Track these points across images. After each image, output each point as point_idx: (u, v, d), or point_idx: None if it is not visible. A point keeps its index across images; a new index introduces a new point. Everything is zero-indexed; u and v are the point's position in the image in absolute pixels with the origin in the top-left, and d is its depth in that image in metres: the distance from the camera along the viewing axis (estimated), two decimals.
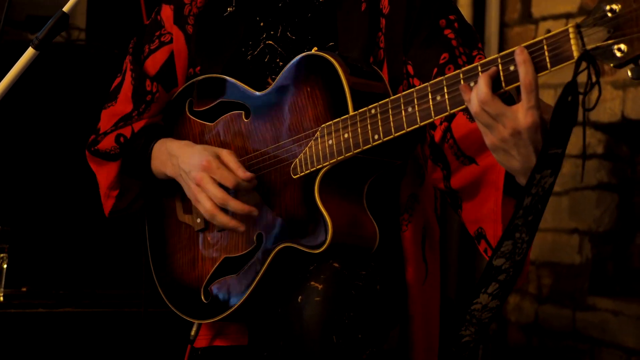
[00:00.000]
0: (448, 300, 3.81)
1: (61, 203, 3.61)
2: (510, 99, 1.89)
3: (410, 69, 2.21)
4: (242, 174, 2.19)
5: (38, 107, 3.61)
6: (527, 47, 1.79)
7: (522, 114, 1.80)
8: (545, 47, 1.76)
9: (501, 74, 1.83)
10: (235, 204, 2.19)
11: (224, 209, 2.20)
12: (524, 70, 1.78)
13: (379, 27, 2.26)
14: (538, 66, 1.77)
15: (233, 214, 2.22)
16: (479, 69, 1.85)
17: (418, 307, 2.26)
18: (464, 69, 1.89)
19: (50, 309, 3.02)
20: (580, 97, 1.73)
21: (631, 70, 1.69)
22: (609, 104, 3.69)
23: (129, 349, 3.04)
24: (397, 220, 2.26)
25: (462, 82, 1.88)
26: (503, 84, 1.83)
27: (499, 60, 1.83)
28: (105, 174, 2.46)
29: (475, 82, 1.85)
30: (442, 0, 2.27)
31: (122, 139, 2.43)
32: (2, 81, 2.21)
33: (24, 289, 3.23)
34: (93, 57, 3.47)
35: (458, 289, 4.25)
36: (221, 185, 2.20)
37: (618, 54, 1.68)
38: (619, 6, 1.68)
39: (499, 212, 2.02)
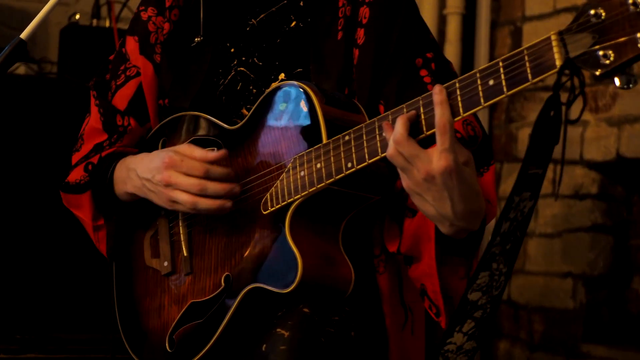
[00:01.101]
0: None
1: (26, 243, 3.55)
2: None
3: (382, 109, 2.12)
4: (209, 154, 2.07)
5: (7, 140, 3.56)
6: (506, 58, 1.67)
7: (435, 157, 1.74)
8: (526, 57, 1.64)
9: (422, 117, 1.78)
10: (214, 186, 2.06)
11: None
12: (439, 111, 1.73)
13: (353, 58, 2.16)
14: (519, 78, 1.65)
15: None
16: (404, 110, 1.81)
17: (397, 355, 2.14)
18: (392, 110, 1.84)
19: (13, 354, 2.96)
20: (563, 107, 1.60)
21: (619, 79, 1.56)
22: (604, 142, 3.61)
23: None
24: (372, 262, 2.15)
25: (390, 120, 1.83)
26: (424, 129, 1.78)
27: (420, 102, 1.78)
28: (83, 211, 2.35)
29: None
30: (419, 36, 2.18)
31: (90, 167, 2.32)
32: None
33: None
34: (64, 90, 3.39)
35: None
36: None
37: (605, 61, 1.55)
38: (604, 11, 1.56)
39: (433, 265, 1.95)
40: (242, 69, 2.26)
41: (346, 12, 2.19)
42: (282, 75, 2.18)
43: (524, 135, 3.99)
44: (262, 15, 2.27)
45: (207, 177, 2.06)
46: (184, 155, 2.09)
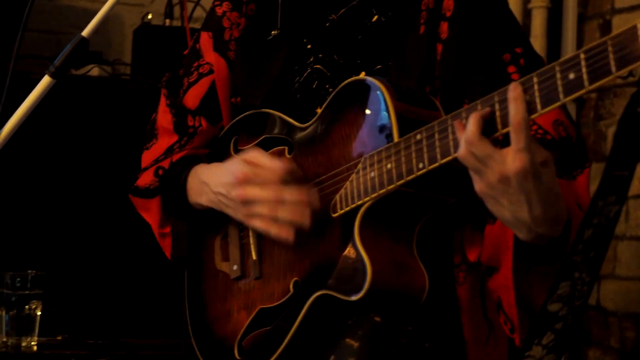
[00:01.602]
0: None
1: (99, 247, 3.58)
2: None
3: None
4: (279, 164, 2.02)
5: (80, 142, 3.59)
6: (588, 49, 1.56)
7: (510, 158, 1.65)
8: (609, 47, 1.53)
9: (497, 114, 1.69)
10: (290, 194, 2.01)
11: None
12: (514, 108, 1.64)
13: (436, 53, 2.07)
14: (602, 70, 1.54)
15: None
16: (479, 106, 1.72)
17: None
18: (466, 107, 1.76)
19: (85, 359, 2.95)
20: None
21: None
22: None
23: None
24: (452, 271, 2.07)
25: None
26: (499, 126, 1.69)
27: (496, 98, 1.69)
28: (151, 215, 2.34)
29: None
30: (508, 30, 2.09)
31: (160, 172, 2.30)
32: (17, 111, 2.08)
33: (59, 338, 3.16)
34: (136, 92, 3.38)
35: None
36: None
37: None
38: None
39: (509, 277, 1.87)
40: (318, 66, 2.20)
41: (429, 4, 2.10)
42: (362, 74, 2.10)
43: (612, 133, 3.87)
44: (342, 10, 2.20)
45: (282, 185, 2.01)
46: (254, 165, 2.04)
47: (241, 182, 2.03)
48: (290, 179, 2.02)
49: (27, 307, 2.94)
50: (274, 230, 2.01)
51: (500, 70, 2.04)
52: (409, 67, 2.08)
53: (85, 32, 2.07)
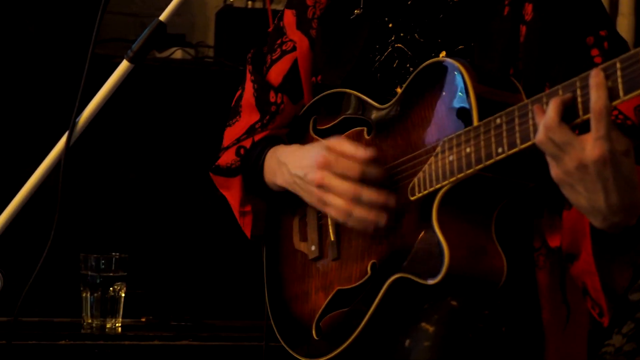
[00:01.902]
0: None
1: (182, 229, 3.62)
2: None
3: None
4: (364, 152, 2.01)
5: (163, 126, 3.64)
6: None
7: (589, 145, 1.64)
8: None
9: (579, 99, 1.67)
10: (369, 194, 2.00)
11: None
12: (595, 95, 1.62)
13: (519, 35, 2.05)
14: None
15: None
16: (560, 92, 1.70)
17: (556, 355, 2.03)
18: (547, 91, 1.74)
19: (166, 341, 2.99)
20: None
21: None
22: None
23: None
24: (531, 255, 2.05)
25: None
26: (580, 112, 1.67)
27: (578, 84, 1.67)
28: (232, 194, 2.36)
29: None
30: (592, 11, 2.05)
31: (242, 151, 2.32)
32: (96, 96, 2.10)
33: (143, 319, 3.23)
34: (219, 74, 3.41)
35: None
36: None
37: None
38: None
39: (591, 262, 1.85)
40: (399, 45, 2.19)
41: None
42: (443, 53, 2.09)
43: None
44: None
45: (362, 177, 2.01)
46: (336, 152, 2.04)
47: (320, 167, 2.04)
48: (373, 174, 2.02)
49: (111, 289, 3.01)
50: (349, 222, 2.03)
51: (584, 53, 2.01)
52: (492, 49, 2.06)
53: (163, 17, 2.08)
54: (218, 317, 3.27)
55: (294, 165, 2.13)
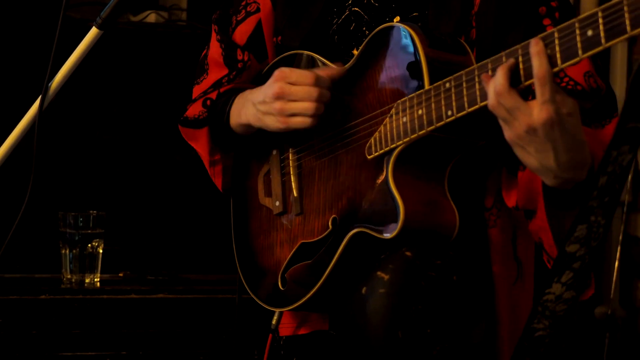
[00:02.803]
0: None
1: (157, 187, 3.65)
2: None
3: None
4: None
5: (136, 88, 3.64)
6: (606, 8, 1.62)
7: (537, 109, 1.72)
8: (625, 7, 1.59)
9: (520, 66, 1.76)
10: (323, 76, 2.11)
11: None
12: (537, 62, 1.71)
13: (473, 4, 2.13)
14: (618, 29, 1.60)
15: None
16: (503, 58, 1.79)
17: (506, 304, 2.14)
18: (491, 58, 1.82)
19: (143, 294, 3.05)
20: None
21: None
22: None
23: (219, 335, 3.05)
24: (482, 213, 2.14)
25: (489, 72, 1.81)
26: (522, 79, 1.76)
27: (520, 51, 1.76)
28: (200, 144, 2.41)
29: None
30: None
31: (208, 102, 2.36)
32: (66, 63, 2.16)
33: (121, 274, 3.28)
34: (190, 38, 3.44)
35: None
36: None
37: None
38: None
39: (544, 219, 1.94)
40: (356, 9, 2.25)
41: None
42: (397, 18, 2.16)
43: None
44: None
45: (317, 83, 2.09)
46: (291, 69, 2.13)
47: (277, 80, 2.10)
48: (326, 79, 2.10)
49: (89, 245, 3.06)
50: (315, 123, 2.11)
51: (536, 23, 2.07)
52: (445, 16, 2.13)
53: None
54: (193, 272, 3.31)
55: (256, 95, 2.17)
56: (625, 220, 3.92)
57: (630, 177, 3.91)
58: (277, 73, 2.11)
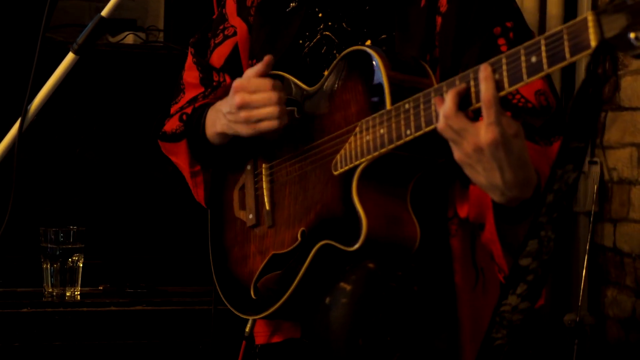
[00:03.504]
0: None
1: (135, 201, 3.69)
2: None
3: None
4: (262, 67, 2.19)
5: (114, 107, 3.69)
6: (548, 36, 1.72)
7: (483, 130, 1.80)
8: (565, 35, 1.68)
9: (472, 90, 1.84)
10: (284, 94, 2.20)
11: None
12: (484, 86, 1.79)
13: (435, 25, 2.22)
14: (558, 56, 1.70)
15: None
16: (457, 82, 1.87)
17: (467, 312, 2.22)
18: (447, 81, 1.90)
19: (122, 307, 3.11)
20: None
21: None
22: None
23: (196, 346, 3.11)
24: (445, 224, 2.23)
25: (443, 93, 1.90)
26: (473, 101, 1.84)
27: (471, 75, 1.85)
28: (180, 157, 2.49)
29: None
30: (500, 4, 2.22)
31: (184, 117, 2.45)
32: (44, 87, 2.24)
33: (101, 287, 3.33)
34: (166, 58, 3.51)
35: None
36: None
37: (636, 43, 1.57)
38: None
39: (494, 232, 2.03)
40: (327, 33, 2.34)
41: None
42: (368, 42, 2.25)
43: (626, 83, 3.95)
44: None
45: (274, 88, 2.17)
46: (247, 77, 2.19)
47: (237, 91, 2.19)
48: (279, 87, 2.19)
49: (70, 260, 3.10)
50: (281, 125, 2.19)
51: (491, 42, 2.17)
52: (411, 38, 2.22)
53: (104, 12, 2.23)
54: (171, 284, 3.37)
55: (224, 105, 2.25)
56: (592, 230, 3.99)
57: (595, 187, 4.00)
58: (235, 84, 2.20)
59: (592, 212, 3.98)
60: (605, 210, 4.04)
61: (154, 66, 3.66)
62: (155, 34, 4.05)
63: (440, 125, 1.86)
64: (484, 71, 1.80)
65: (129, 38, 3.88)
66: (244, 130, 2.23)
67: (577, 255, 4.12)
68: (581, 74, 4.14)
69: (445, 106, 1.85)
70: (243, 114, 2.20)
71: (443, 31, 2.21)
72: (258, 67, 2.20)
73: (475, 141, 1.82)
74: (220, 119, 2.29)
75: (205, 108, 2.40)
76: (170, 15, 4.03)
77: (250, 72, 2.21)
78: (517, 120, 1.86)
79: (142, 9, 4.31)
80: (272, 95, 2.18)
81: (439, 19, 2.22)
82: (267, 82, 2.18)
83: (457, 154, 1.87)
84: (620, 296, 3.95)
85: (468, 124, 1.83)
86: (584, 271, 3.94)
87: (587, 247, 3.96)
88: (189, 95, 2.51)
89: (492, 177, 1.85)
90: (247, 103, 2.18)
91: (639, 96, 3.88)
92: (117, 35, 3.87)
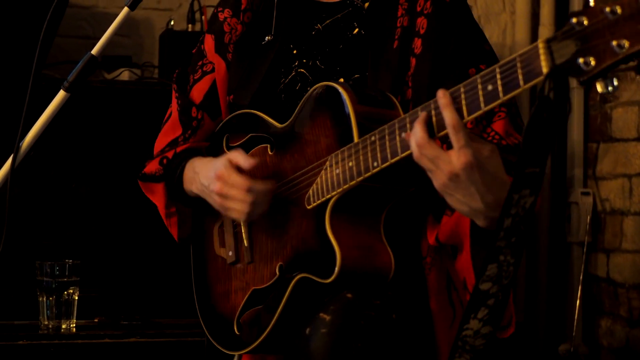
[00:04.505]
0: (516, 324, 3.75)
1: (129, 237, 3.74)
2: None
3: None
4: (247, 163, 2.24)
5: (109, 142, 3.74)
6: (502, 64, 1.77)
7: (455, 156, 1.82)
8: (518, 64, 1.73)
9: (434, 119, 1.87)
10: (258, 186, 2.24)
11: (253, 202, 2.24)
12: (447, 114, 1.82)
13: (409, 66, 2.27)
14: (512, 84, 1.74)
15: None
16: (419, 112, 1.90)
17: (446, 343, 2.23)
18: (409, 112, 1.94)
19: (117, 339, 3.14)
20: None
21: (600, 85, 1.65)
22: None
23: None
24: (420, 260, 2.25)
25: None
26: (435, 130, 1.87)
27: (432, 105, 1.87)
28: (157, 197, 2.54)
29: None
30: (474, 47, 2.27)
31: (164, 161, 2.50)
32: (36, 123, 2.27)
33: (96, 320, 3.35)
34: (161, 94, 3.56)
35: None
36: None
37: (585, 68, 1.63)
38: (586, 19, 1.63)
39: (469, 260, 2.05)
40: (302, 70, 2.39)
41: (404, 22, 2.29)
42: (341, 80, 2.29)
43: (617, 114, 4.00)
44: (327, 21, 2.39)
45: (249, 190, 2.22)
46: (232, 166, 2.25)
47: (217, 179, 2.25)
48: (258, 189, 2.24)
49: (65, 292, 3.12)
50: (248, 220, 2.27)
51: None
52: (383, 78, 2.26)
53: (94, 51, 2.26)
54: (165, 316, 3.39)
55: (203, 175, 2.32)
56: (586, 260, 4.02)
57: (588, 218, 4.03)
58: (218, 171, 2.25)
59: (586, 243, 4.01)
60: (598, 241, 4.08)
61: (149, 102, 3.71)
62: (150, 70, 4.11)
63: (415, 154, 1.88)
64: (442, 98, 1.83)
65: (125, 74, 3.92)
66: (215, 205, 2.31)
67: (571, 286, 4.15)
68: (574, 104, 4.18)
69: (417, 136, 1.87)
70: (218, 199, 2.27)
71: (417, 72, 2.25)
72: (240, 161, 2.25)
73: (449, 169, 1.83)
74: (196, 183, 2.36)
75: (185, 157, 2.46)
76: (164, 51, 4.08)
77: (235, 160, 2.26)
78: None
79: (138, 45, 4.35)
80: (246, 197, 2.22)
81: (413, 61, 2.26)
82: (245, 183, 2.23)
83: (436, 184, 1.88)
84: (614, 326, 3.97)
85: (441, 152, 1.85)
86: (578, 301, 3.96)
87: (581, 278, 3.98)
88: (169, 133, 2.55)
89: (472, 202, 1.86)
90: (224, 194, 2.25)
91: (630, 128, 3.92)
92: (113, 71, 3.92)
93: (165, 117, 2.61)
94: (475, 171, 1.82)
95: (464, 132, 1.81)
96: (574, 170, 4.15)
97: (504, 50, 4.26)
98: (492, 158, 1.86)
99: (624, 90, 3.93)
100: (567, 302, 4.17)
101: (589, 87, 4.11)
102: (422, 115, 1.89)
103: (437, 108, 1.86)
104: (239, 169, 2.25)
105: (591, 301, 4.09)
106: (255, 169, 2.29)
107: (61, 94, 2.26)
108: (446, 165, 1.83)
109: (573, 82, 4.04)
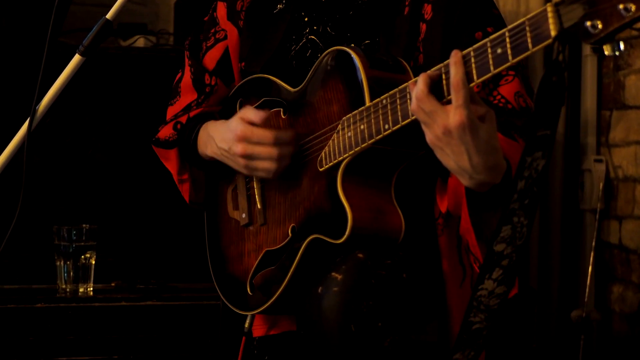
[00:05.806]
0: (530, 290, 3.79)
1: (147, 201, 3.77)
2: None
3: None
4: (257, 116, 2.27)
5: (125, 109, 3.77)
6: (512, 28, 1.80)
7: (451, 113, 1.86)
8: (527, 27, 1.76)
9: (443, 82, 1.91)
10: (285, 134, 2.27)
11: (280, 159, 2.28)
12: (453, 70, 1.86)
13: (419, 32, 2.29)
14: (521, 47, 1.77)
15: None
16: (442, 69, 1.93)
17: (457, 304, 2.27)
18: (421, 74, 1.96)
19: (133, 302, 3.18)
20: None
21: (607, 48, 1.67)
22: None
23: (205, 340, 3.18)
24: (432, 222, 2.28)
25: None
26: (445, 93, 1.91)
27: (442, 69, 1.91)
28: (171, 164, 2.57)
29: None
30: (481, 10, 2.30)
31: (178, 126, 2.54)
32: (52, 88, 2.29)
33: (113, 284, 3.40)
34: (177, 61, 3.58)
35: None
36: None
37: (593, 31, 1.65)
38: None
39: (468, 220, 2.08)
40: (313, 37, 2.42)
41: None
42: (352, 45, 2.30)
43: (630, 82, 4.00)
44: None
45: (277, 143, 2.26)
46: (249, 123, 2.28)
47: (240, 139, 2.28)
48: (285, 137, 2.27)
49: (82, 257, 3.17)
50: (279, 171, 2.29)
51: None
52: (394, 44, 2.30)
53: (109, 15, 2.30)
54: (181, 280, 3.42)
55: (219, 139, 2.35)
56: (598, 227, 4.04)
57: (601, 185, 4.05)
58: (238, 132, 2.28)
59: (598, 210, 4.03)
60: (611, 208, 4.09)
61: (164, 69, 3.62)
62: (165, 38, 4.12)
63: (413, 106, 1.93)
64: (454, 57, 1.87)
65: (140, 42, 3.94)
66: (238, 169, 2.34)
67: (583, 252, 4.17)
68: (587, 72, 4.19)
69: (417, 88, 1.92)
70: (242, 162, 2.30)
71: (428, 38, 2.28)
72: (251, 116, 2.27)
73: (444, 123, 1.88)
74: (212, 146, 2.39)
75: (198, 123, 2.49)
76: (180, 19, 4.11)
77: (247, 117, 2.28)
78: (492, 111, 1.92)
79: (153, 13, 4.37)
80: (272, 153, 2.26)
81: (423, 26, 2.29)
82: (270, 134, 2.26)
83: (429, 137, 1.93)
84: (626, 292, 4.00)
85: (438, 106, 1.90)
86: (591, 268, 3.98)
87: (594, 244, 4.00)
88: (184, 98, 2.58)
89: (460, 160, 1.91)
90: (249, 155, 2.28)
91: None
92: (129, 39, 3.94)
93: (175, 82, 2.63)
94: (467, 132, 1.87)
95: (464, 91, 1.85)
96: (587, 138, 4.17)
97: (518, 17, 4.24)
98: (486, 122, 1.89)
99: (637, 58, 3.94)
100: (579, 268, 4.19)
101: (602, 55, 4.12)
102: (430, 71, 1.92)
103: (448, 72, 1.89)
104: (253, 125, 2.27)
105: (603, 268, 4.11)
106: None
107: (76, 58, 2.29)
108: (442, 120, 1.88)
109: (587, 50, 4.06)
